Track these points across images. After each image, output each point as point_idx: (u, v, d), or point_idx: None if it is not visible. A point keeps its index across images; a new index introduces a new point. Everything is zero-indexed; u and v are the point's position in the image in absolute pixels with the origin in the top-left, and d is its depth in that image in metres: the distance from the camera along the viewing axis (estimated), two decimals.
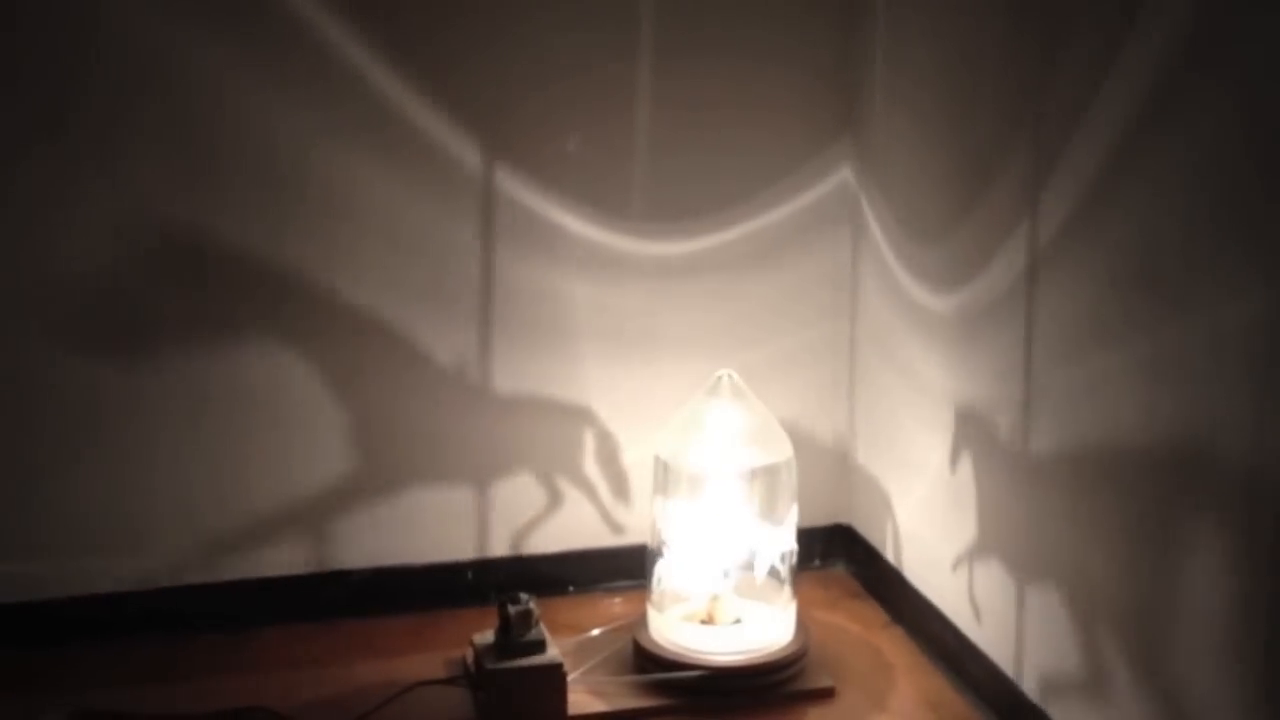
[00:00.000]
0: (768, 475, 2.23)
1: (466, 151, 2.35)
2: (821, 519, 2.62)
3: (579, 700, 2.12)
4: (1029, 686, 2.03)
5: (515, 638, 2.10)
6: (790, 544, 2.24)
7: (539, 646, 2.11)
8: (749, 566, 2.24)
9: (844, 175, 2.52)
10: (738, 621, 2.22)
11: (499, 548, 2.50)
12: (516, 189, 2.38)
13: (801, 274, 2.55)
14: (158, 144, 2.24)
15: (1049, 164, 1.88)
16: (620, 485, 2.52)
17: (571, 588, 2.52)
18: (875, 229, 2.44)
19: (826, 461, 2.61)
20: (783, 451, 2.23)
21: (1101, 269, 1.80)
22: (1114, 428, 1.79)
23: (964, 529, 2.19)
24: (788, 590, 2.24)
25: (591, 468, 2.51)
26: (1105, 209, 1.77)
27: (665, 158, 2.45)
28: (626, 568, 2.45)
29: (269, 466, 2.38)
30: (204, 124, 2.26)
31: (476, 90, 2.34)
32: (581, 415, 2.49)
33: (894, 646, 2.34)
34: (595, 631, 2.32)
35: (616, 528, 2.52)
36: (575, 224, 2.42)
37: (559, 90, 2.38)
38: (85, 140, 2.22)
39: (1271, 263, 1.49)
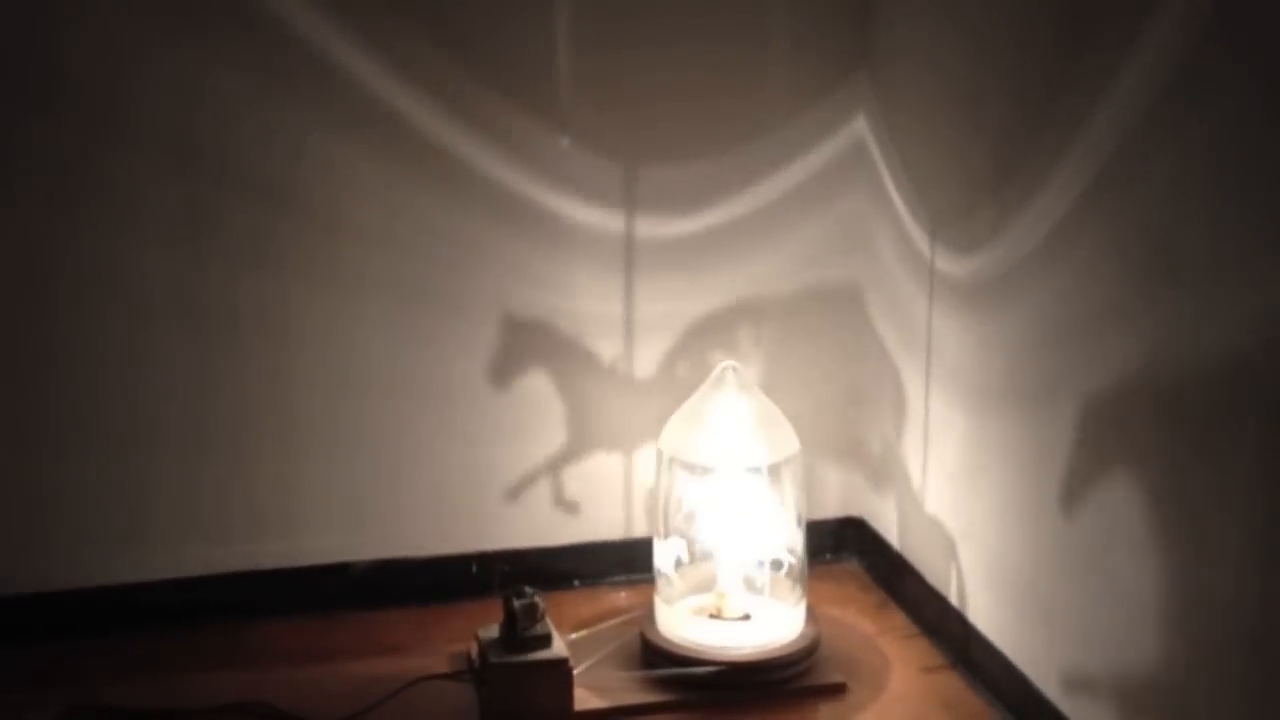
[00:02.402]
0: (774, 469, 2.20)
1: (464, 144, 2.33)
2: (832, 511, 2.60)
3: (585, 695, 2.10)
4: (1045, 683, 2.01)
5: (520, 632, 2.08)
6: (799, 537, 2.22)
7: (544, 641, 2.09)
8: (758, 561, 2.22)
9: (858, 126, 2.47)
10: (746, 616, 2.20)
11: (503, 540, 2.48)
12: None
13: (812, 247, 2.51)
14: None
15: (1070, 138, 1.85)
16: (625, 478, 2.49)
17: (577, 581, 2.50)
18: (894, 198, 2.39)
19: (836, 451, 2.59)
20: (788, 444, 2.20)
21: (1120, 248, 1.77)
22: (1131, 411, 1.77)
23: (980, 519, 2.17)
24: (798, 585, 2.22)
25: (596, 460, 2.49)
26: (1127, 186, 1.74)
27: (668, 123, 2.42)
28: (633, 561, 2.44)
29: (269, 459, 2.36)
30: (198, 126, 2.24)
31: (476, 84, 2.32)
32: (586, 405, 2.46)
33: (906, 641, 2.32)
34: (601, 626, 2.30)
35: (622, 521, 2.50)
36: (580, 207, 2.39)
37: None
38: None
39: None
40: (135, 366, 2.28)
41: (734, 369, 2.19)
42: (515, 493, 2.47)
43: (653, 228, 2.43)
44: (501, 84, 2.31)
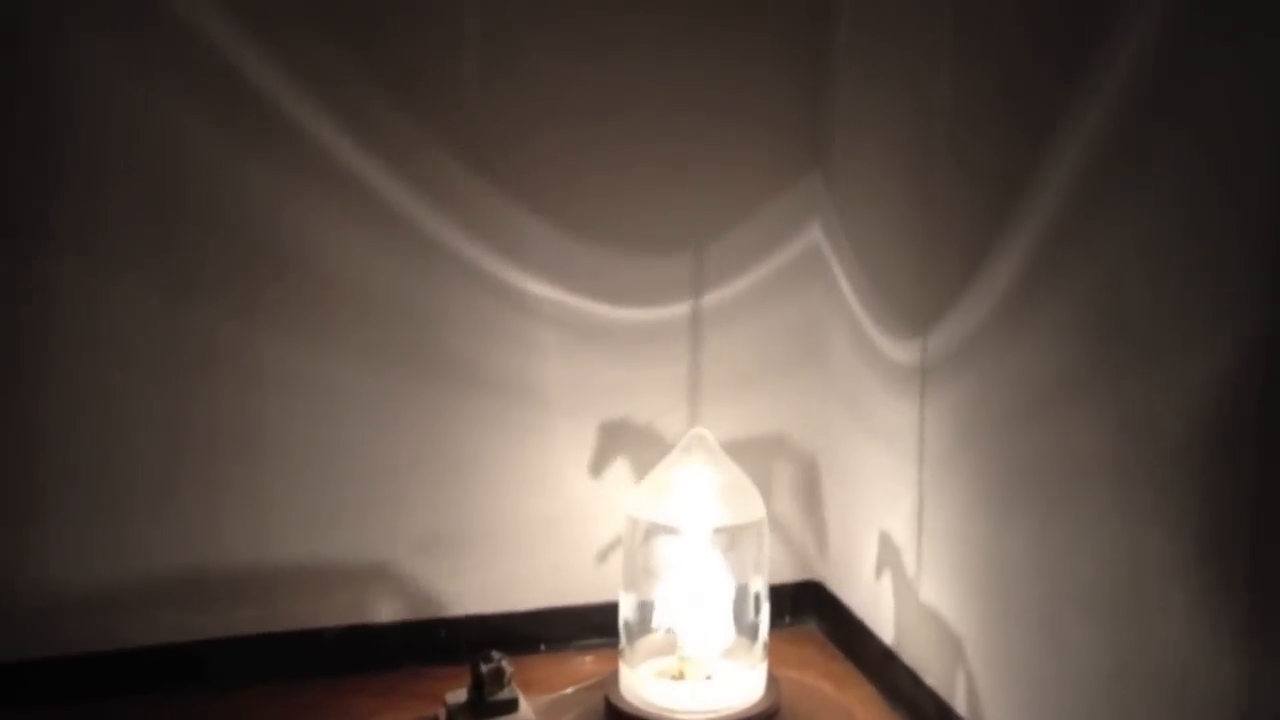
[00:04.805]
0: (738, 533, 2.25)
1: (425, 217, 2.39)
2: (791, 575, 2.64)
3: None
4: None
5: (487, 696, 2.11)
6: (762, 601, 2.26)
7: (511, 705, 2.12)
8: (721, 623, 2.25)
9: (814, 237, 2.56)
10: (709, 678, 2.23)
11: (471, 605, 2.51)
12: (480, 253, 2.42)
13: (771, 332, 2.58)
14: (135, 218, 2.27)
15: (1009, 215, 1.91)
16: (593, 543, 2.53)
17: (543, 646, 2.53)
18: (844, 286, 2.47)
19: (796, 517, 2.63)
20: (754, 509, 2.25)
21: (1067, 319, 1.82)
22: (1083, 480, 1.81)
23: (935, 585, 2.22)
24: (759, 647, 2.26)
25: (564, 526, 2.53)
26: (1071, 258, 1.80)
27: (631, 217, 2.49)
28: (598, 625, 2.47)
29: (241, 525, 2.39)
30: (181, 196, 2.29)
31: (445, 161, 2.38)
32: (554, 473, 2.51)
33: (865, 704, 2.36)
34: (568, 690, 2.33)
35: (589, 586, 2.53)
36: (545, 290, 2.46)
37: (532, 147, 2.42)
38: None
39: (1238, 313, 1.52)
40: (109, 433, 2.31)
41: (702, 435, 2.24)
42: (483, 558, 2.50)
43: (625, 311, 2.50)
44: (462, 154, 2.38)
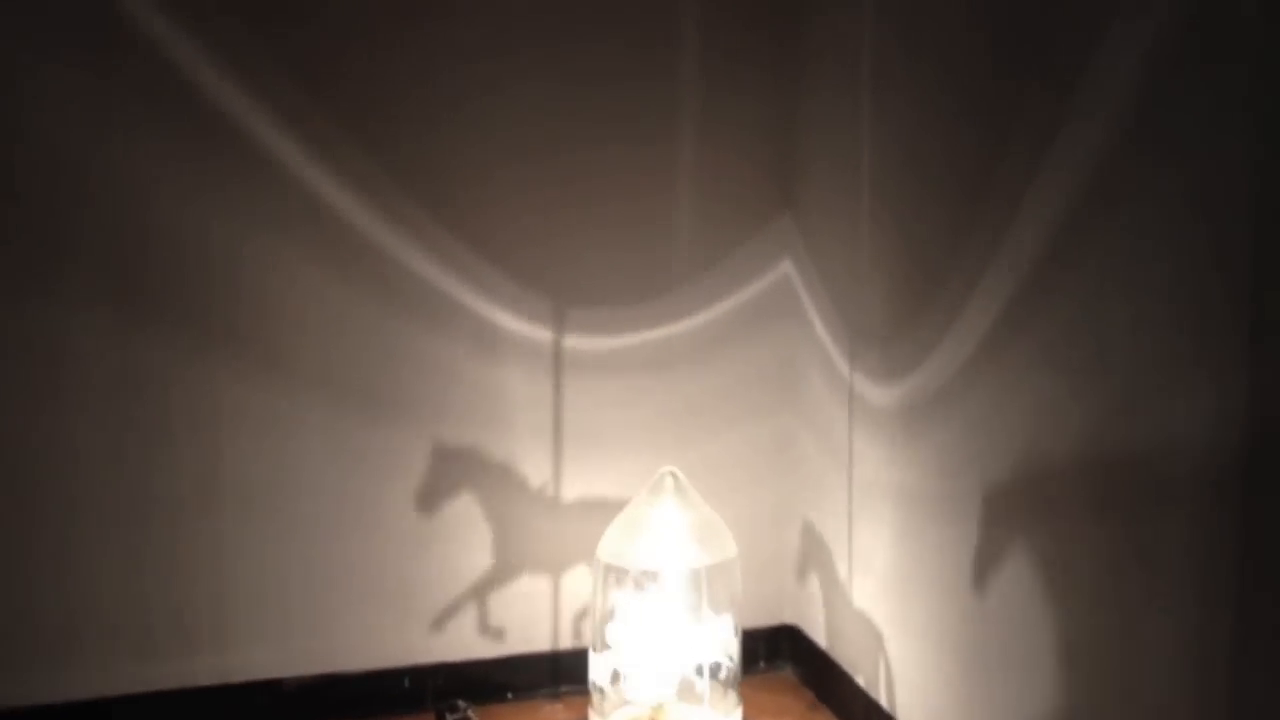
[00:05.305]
0: (711, 575, 2.21)
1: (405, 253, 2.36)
2: (766, 619, 2.60)
3: None
4: None
5: None
6: (734, 645, 2.22)
7: None
8: (693, 669, 2.21)
9: (785, 269, 2.54)
10: None
11: (435, 653, 2.46)
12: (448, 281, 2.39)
13: (744, 371, 2.56)
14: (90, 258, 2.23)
15: (992, 254, 1.90)
16: (561, 588, 2.49)
17: (511, 694, 2.48)
18: (817, 323, 2.45)
19: (770, 560, 2.60)
20: (726, 550, 2.22)
21: (1048, 354, 1.80)
22: (1066, 520, 1.79)
23: (912, 628, 2.19)
24: (732, 693, 2.22)
25: (531, 570, 2.48)
26: (1051, 297, 1.79)
27: (603, 252, 2.46)
28: (567, 672, 2.43)
29: (200, 573, 2.33)
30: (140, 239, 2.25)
31: (413, 193, 2.35)
32: (520, 515, 2.47)
33: None
34: None
35: (556, 633, 2.49)
36: (513, 321, 2.42)
37: (497, 181, 2.39)
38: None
39: (1220, 356, 1.50)
40: (66, 482, 2.26)
41: (673, 475, 2.21)
42: (447, 606, 2.46)
43: (595, 347, 2.47)
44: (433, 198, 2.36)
